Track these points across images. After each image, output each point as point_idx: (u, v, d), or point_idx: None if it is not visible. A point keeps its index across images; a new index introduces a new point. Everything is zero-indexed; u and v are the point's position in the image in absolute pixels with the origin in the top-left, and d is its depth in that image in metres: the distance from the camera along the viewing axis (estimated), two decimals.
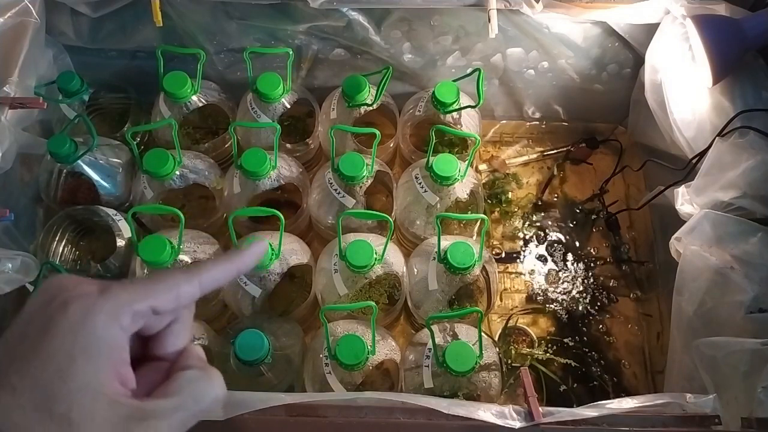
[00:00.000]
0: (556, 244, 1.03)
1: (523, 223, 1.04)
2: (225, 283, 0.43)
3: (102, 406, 0.31)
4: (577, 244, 1.03)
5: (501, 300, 0.98)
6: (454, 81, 0.90)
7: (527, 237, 1.03)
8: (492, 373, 0.75)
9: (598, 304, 0.98)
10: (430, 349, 0.74)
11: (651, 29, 0.88)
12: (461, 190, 0.86)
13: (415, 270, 0.82)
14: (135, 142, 0.85)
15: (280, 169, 0.87)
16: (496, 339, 0.94)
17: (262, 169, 0.83)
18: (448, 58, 0.98)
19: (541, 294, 0.99)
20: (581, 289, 0.99)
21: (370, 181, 0.85)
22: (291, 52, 0.90)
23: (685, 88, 0.84)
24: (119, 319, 0.33)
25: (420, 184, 0.85)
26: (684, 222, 0.76)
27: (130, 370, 0.34)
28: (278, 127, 0.85)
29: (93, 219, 0.90)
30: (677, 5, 0.84)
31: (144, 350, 0.37)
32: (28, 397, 0.30)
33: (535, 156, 1.10)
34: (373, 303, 0.73)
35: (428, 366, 0.74)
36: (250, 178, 0.84)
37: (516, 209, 1.05)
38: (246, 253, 0.40)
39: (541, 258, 1.02)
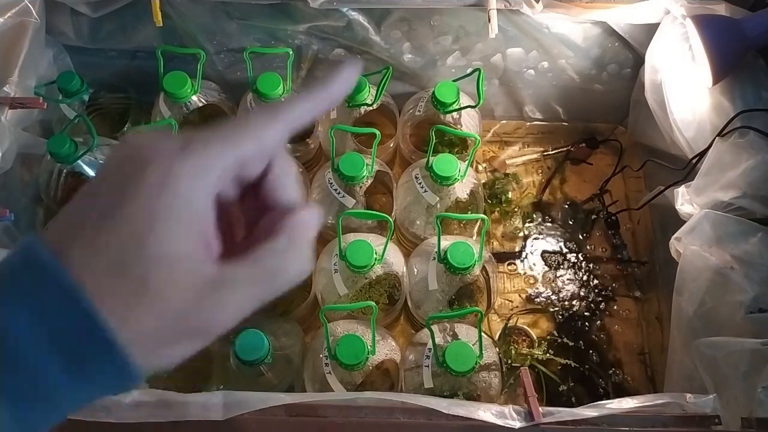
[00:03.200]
0: (556, 245, 1.03)
1: (523, 223, 1.04)
2: (315, 118, 0.36)
3: (180, 274, 0.28)
4: (577, 244, 1.03)
5: (501, 299, 0.98)
6: (454, 81, 0.90)
7: (527, 237, 1.03)
8: (492, 373, 0.75)
9: (598, 304, 0.98)
10: (430, 349, 0.74)
11: (651, 29, 0.88)
12: (461, 190, 0.86)
13: (415, 270, 0.82)
14: None
15: None
16: (496, 339, 0.94)
17: None
18: (448, 58, 0.98)
19: (541, 294, 0.99)
20: (581, 289, 0.99)
21: (370, 181, 0.85)
22: (291, 52, 0.90)
23: (685, 88, 0.84)
24: (203, 178, 0.28)
25: (420, 184, 0.85)
26: (684, 222, 0.76)
27: (214, 233, 0.30)
28: None
29: None
30: (677, 5, 0.84)
31: (246, 203, 0.34)
32: (99, 258, 0.27)
33: (535, 156, 1.10)
34: (373, 303, 0.73)
35: (428, 366, 0.74)
36: None
37: (516, 209, 1.05)
38: (336, 80, 0.33)
39: (541, 258, 1.02)
